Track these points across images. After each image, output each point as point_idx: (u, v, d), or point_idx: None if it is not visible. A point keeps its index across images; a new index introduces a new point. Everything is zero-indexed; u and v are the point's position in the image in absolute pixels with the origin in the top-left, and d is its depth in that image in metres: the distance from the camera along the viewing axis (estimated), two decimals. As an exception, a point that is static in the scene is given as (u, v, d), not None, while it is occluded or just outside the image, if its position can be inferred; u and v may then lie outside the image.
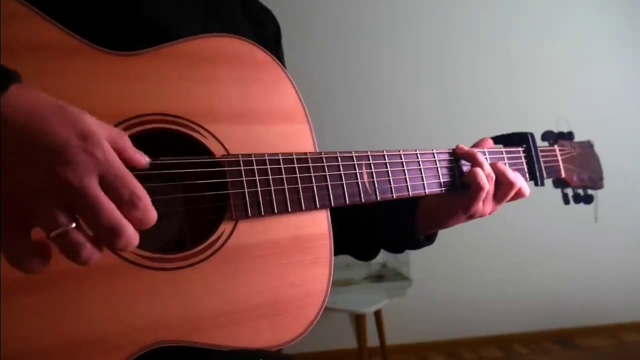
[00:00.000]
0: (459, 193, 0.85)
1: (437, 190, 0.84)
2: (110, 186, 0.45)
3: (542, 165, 0.98)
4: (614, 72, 3.24)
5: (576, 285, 3.24)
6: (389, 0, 3.00)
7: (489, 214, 0.87)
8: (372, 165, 0.77)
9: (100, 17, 0.68)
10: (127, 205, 0.45)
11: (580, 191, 1.10)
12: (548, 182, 1.04)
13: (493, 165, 0.85)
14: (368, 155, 0.77)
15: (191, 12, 0.80)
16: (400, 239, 0.92)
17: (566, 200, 1.09)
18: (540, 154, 0.98)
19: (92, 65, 0.60)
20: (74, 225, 0.44)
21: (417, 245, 0.91)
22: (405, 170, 0.80)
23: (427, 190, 0.82)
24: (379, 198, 0.77)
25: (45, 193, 0.43)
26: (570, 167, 1.07)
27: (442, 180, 0.84)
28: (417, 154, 0.82)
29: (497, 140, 0.99)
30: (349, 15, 2.97)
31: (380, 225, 0.92)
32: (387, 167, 0.78)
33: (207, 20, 0.81)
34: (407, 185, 0.80)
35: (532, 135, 0.99)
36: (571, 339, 3.21)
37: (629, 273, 3.29)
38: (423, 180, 0.82)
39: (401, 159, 0.80)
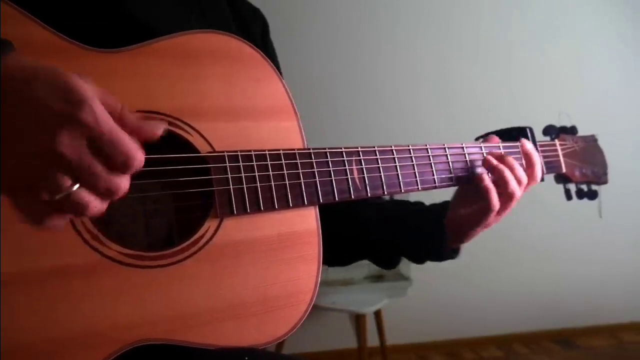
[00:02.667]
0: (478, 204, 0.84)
1: (430, 186, 0.82)
2: (100, 151, 0.45)
3: (542, 160, 0.96)
4: (614, 71, 3.23)
5: (576, 285, 3.22)
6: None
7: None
8: (362, 160, 0.76)
9: (85, 16, 0.68)
10: (119, 168, 0.46)
11: (584, 187, 1.07)
12: (550, 181, 1.02)
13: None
14: (358, 151, 0.76)
15: (177, 9, 0.79)
16: (425, 249, 0.91)
17: (568, 196, 1.06)
18: (539, 148, 0.96)
19: (77, 63, 0.59)
20: (76, 187, 0.44)
21: (440, 256, 0.90)
22: (398, 166, 0.79)
23: (420, 187, 0.81)
24: (369, 194, 0.75)
25: (41, 157, 0.43)
26: (572, 162, 1.04)
27: (436, 177, 0.83)
28: (409, 149, 0.81)
29: (495, 134, 0.97)
30: (349, 13, 2.96)
31: (405, 235, 0.91)
32: (378, 163, 0.77)
33: (193, 17, 0.80)
34: (400, 182, 0.79)
35: (531, 129, 0.97)
36: (571, 339, 3.20)
37: (629, 273, 3.27)
38: (416, 177, 0.81)
39: (393, 154, 0.79)
